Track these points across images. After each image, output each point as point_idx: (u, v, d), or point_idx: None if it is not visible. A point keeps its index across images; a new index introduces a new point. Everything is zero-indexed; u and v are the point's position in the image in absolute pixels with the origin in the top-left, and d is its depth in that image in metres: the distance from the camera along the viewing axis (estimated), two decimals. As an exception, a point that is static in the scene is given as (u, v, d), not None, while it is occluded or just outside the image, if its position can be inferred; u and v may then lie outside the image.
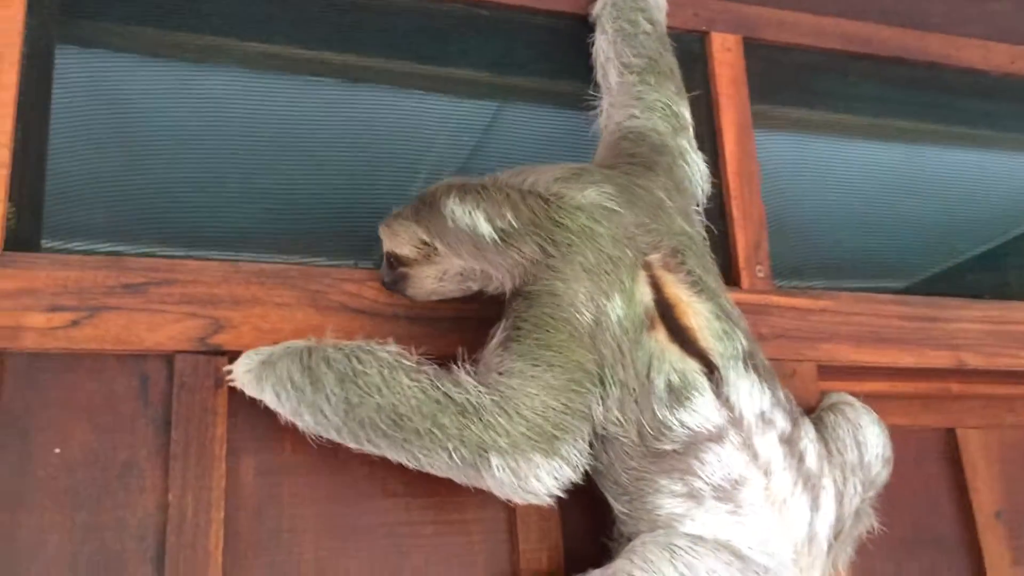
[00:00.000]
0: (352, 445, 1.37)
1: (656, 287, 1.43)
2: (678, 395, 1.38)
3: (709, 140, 1.95)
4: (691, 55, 2.02)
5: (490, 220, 1.44)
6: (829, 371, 1.87)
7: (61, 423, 1.40)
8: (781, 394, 1.48)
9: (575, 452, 1.34)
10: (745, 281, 1.86)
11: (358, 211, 1.87)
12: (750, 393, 1.42)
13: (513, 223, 1.43)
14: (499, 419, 1.30)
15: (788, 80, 2.16)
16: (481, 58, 2.01)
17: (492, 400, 1.31)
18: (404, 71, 1.98)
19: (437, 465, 1.34)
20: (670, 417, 1.37)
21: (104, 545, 1.37)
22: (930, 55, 2.25)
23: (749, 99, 1.99)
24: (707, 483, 1.37)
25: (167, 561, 1.37)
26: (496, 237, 1.43)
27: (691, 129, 1.76)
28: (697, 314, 1.44)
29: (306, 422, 1.38)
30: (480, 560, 1.55)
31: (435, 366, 1.37)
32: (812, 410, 1.71)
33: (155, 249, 1.75)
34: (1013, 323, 2.04)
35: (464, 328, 1.58)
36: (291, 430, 1.42)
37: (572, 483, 1.36)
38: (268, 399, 1.40)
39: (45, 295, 1.42)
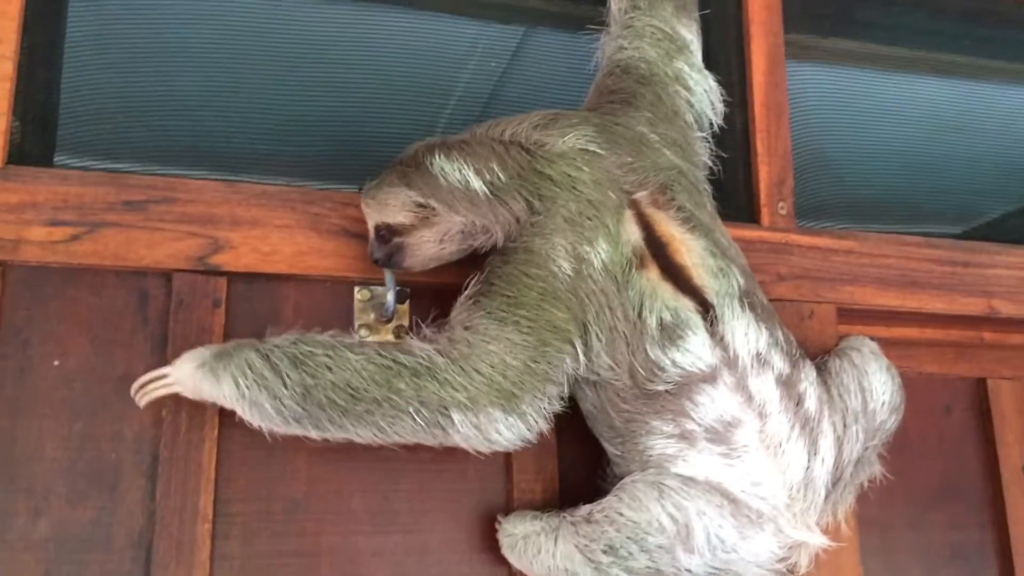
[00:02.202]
0: (315, 434, 1.33)
1: (646, 226, 1.39)
2: (670, 334, 1.34)
3: (738, 69, 1.86)
4: (725, -23, 1.91)
5: (479, 174, 1.40)
6: (852, 314, 1.81)
7: (61, 336, 1.43)
8: (780, 334, 1.43)
9: (532, 411, 1.34)
10: (766, 218, 1.79)
11: (389, 135, 1.83)
12: (746, 333, 1.37)
13: (500, 176, 1.39)
14: (456, 376, 1.30)
15: (827, 9, 2.05)
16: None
17: (446, 360, 1.30)
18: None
19: (403, 431, 1.33)
20: (662, 356, 1.34)
21: (100, 455, 1.40)
22: (987, -17, 2.12)
23: (783, 28, 1.88)
24: (699, 424, 1.34)
25: (160, 473, 1.40)
26: (487, 191, 1.40)
27: (694, 48, 1.63)
28: (691, 251, 1.40)
29: (265, 412, 1.31)
30: (474, 488, 1.55)
31: (377, 341, 1.36)
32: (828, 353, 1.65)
33: (172, 169, 1.75)
34: (1052, 271, 1.93)
35: (465, 259, 1.53)
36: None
37: (563, 420, 1.37)
38: (226, 389, 1.32)
39: (46, 209, 1.43)
